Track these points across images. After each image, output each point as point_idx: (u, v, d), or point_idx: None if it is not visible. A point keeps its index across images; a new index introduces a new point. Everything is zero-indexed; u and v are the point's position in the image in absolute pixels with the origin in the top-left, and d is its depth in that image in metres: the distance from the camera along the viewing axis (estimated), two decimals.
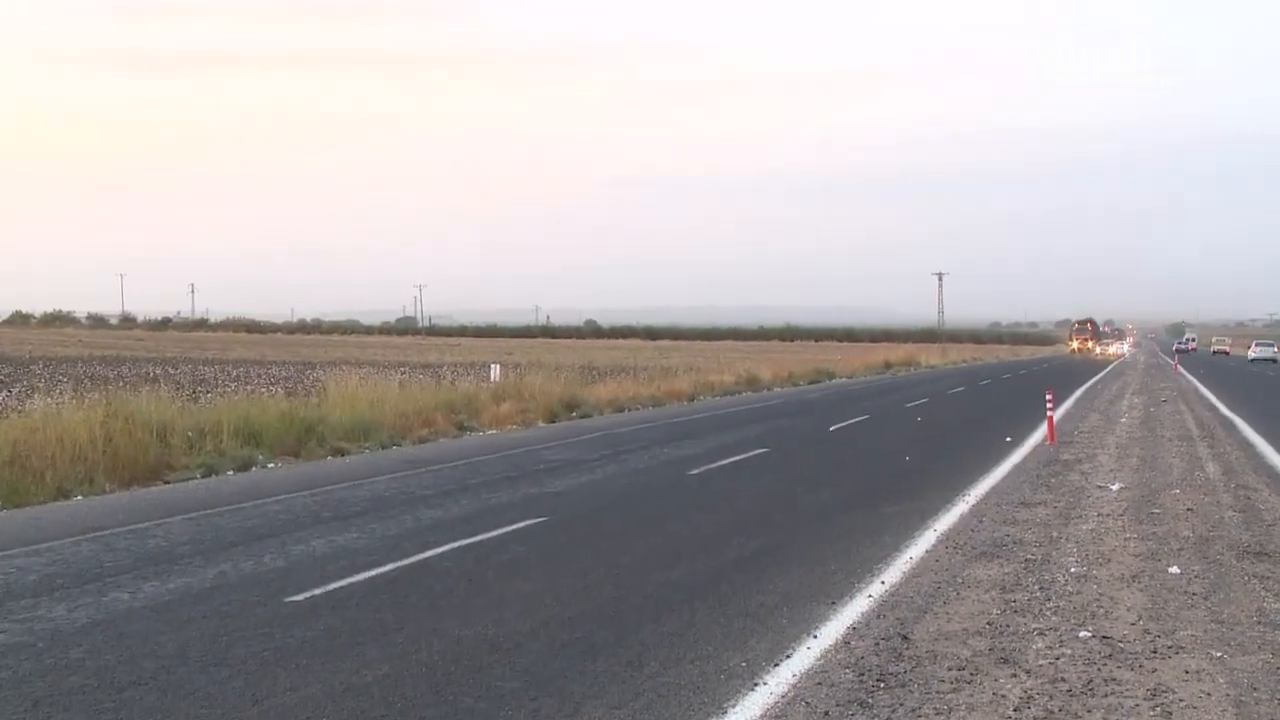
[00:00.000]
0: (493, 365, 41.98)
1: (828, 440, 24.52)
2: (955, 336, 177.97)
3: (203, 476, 17.91)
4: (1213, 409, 33.23)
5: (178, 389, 32.71)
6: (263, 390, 34.35)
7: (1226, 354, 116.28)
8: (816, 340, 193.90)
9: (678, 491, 16.40)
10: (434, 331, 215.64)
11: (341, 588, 10.00)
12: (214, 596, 9.74)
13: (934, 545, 11.97)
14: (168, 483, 17.30)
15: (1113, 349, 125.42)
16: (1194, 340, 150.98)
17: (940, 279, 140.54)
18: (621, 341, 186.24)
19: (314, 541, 12.19)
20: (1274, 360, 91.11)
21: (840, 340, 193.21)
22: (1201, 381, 53.23)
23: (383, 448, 22.39)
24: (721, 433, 25.82)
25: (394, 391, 27.80)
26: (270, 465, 19.49)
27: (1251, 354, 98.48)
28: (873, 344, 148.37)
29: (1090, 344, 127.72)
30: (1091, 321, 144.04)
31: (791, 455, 21.31)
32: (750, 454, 21.10)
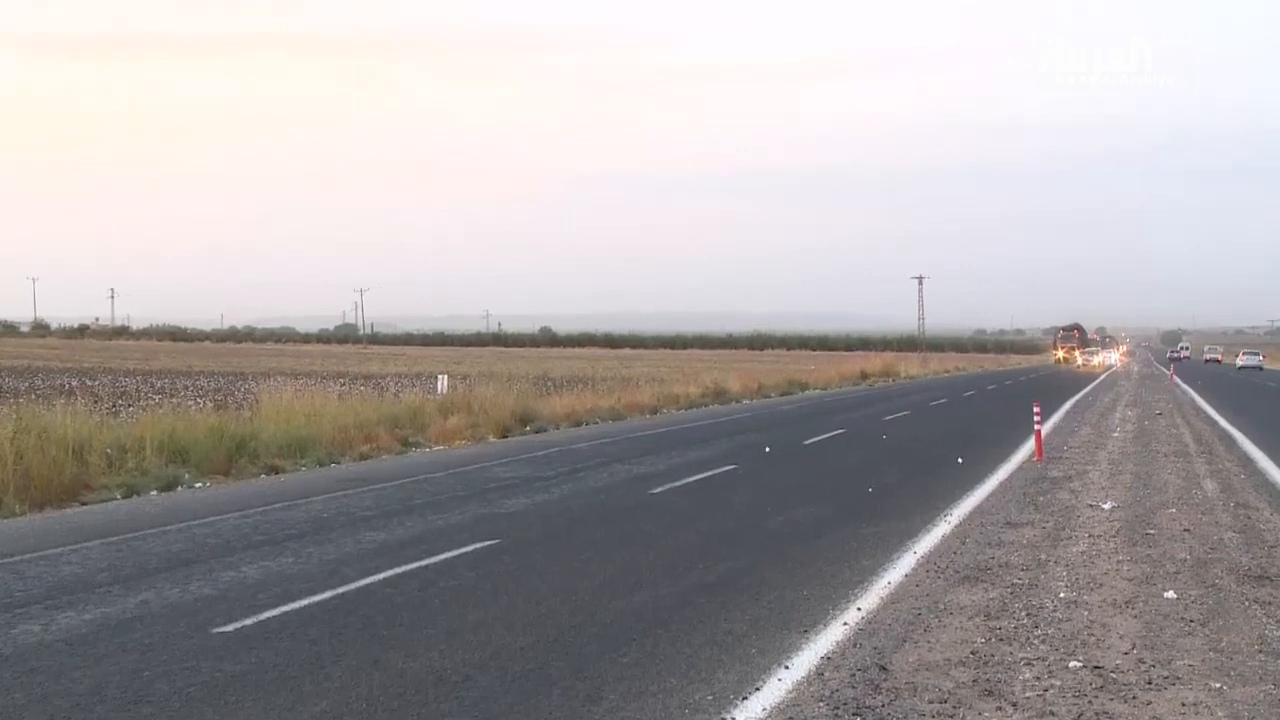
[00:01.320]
0: (440, 376, 41.84)
1: (800, 456, 24.58)
2: (936, 345, 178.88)
3: (123, 497, 17.75)
4: (1211, 422, 33.54)
5: (96, 402, 32.45)
6: (189, 403, 34.11)
7: (1218, 362, 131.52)
8: (788, 349, 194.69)
9: (639, 512, 16.39)
10: (376, 340, 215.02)
11: (275, 617, 9.94)
12: (135, 628, 9.65)
13: (914, 569, 12.02)
14: (85, 504, 17.14)
15: (1097, 359, 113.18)
16: (1187, 349, 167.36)
17: (920, 283, 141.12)
18: (579, 350, 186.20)
19: (245, 567, 12.10)
20: (1259, 368, 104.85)
21: (814, 349, 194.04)
22: (1199, 393, 53.72)
23: (320, 465, 22.27)
24: (686, 448, 25.84)
25: (333, 404, 27.65)
26: (198, 485, 19.35)
27: (1239, 362, 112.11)
28: (849, 353, 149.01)
29: (1075, 353, 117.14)
30: (1079, 328, 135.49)
31: (761, 472, 21.34)
32: (717, 471, 21.12)
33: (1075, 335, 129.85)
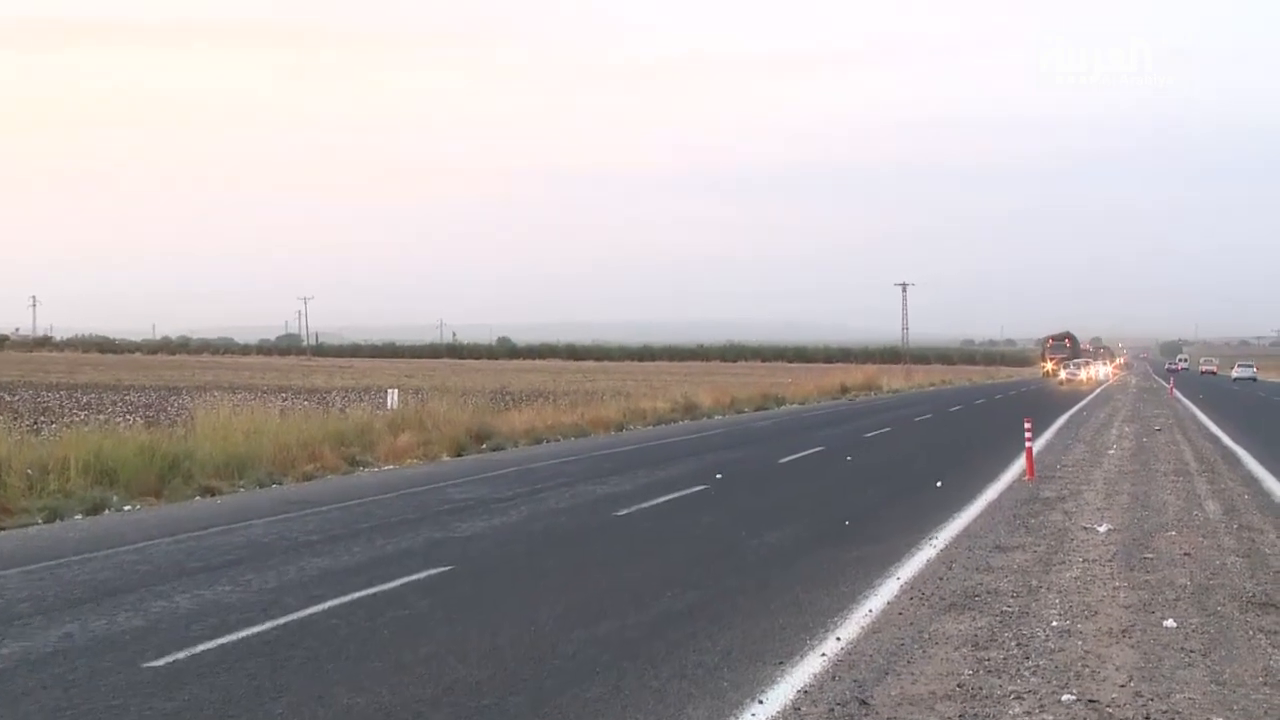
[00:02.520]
0: (390, 390, 41.75)
1: (776, 476, 24.61)
2: (922, 356, 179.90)
3: (45, 522, 17.62)
4: (1213, 439, 33.77)
5: (16, 418, 32.21)
6: (118, 420, 33.91)
7: (1214, 373, 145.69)
8: (763, 361, 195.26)
9: (603, 535, 16.38)
10: (321, 351, 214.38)
11: (210, 650, 9.88)
12: (57, 662, 9.58)
13: (897, 595, 12.05)
14: (3, 529, 17.01)
15: (1084, 373, 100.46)
16: (1185, 360, 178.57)
17: (904, 290, 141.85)
18: (540, 363, 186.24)
19: (178, 596, 12.03)
20: (1254, 379, 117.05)
21: (790, 361, 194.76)
22: (1200, 407, 54.09)
23: (260, 486, 22.18)
24: (654, 467, 25.85)
25: (274, 421, 27.53)
26: (127, 507, 19.22)
27: (1234, 373, 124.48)
28: (828, 365, 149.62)
29: (1059, 367, 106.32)
30: (1070, 337, 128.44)
31: (734, 493, 21.35)
32: (687, 491, 21.13)
33: (1067, 345, 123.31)
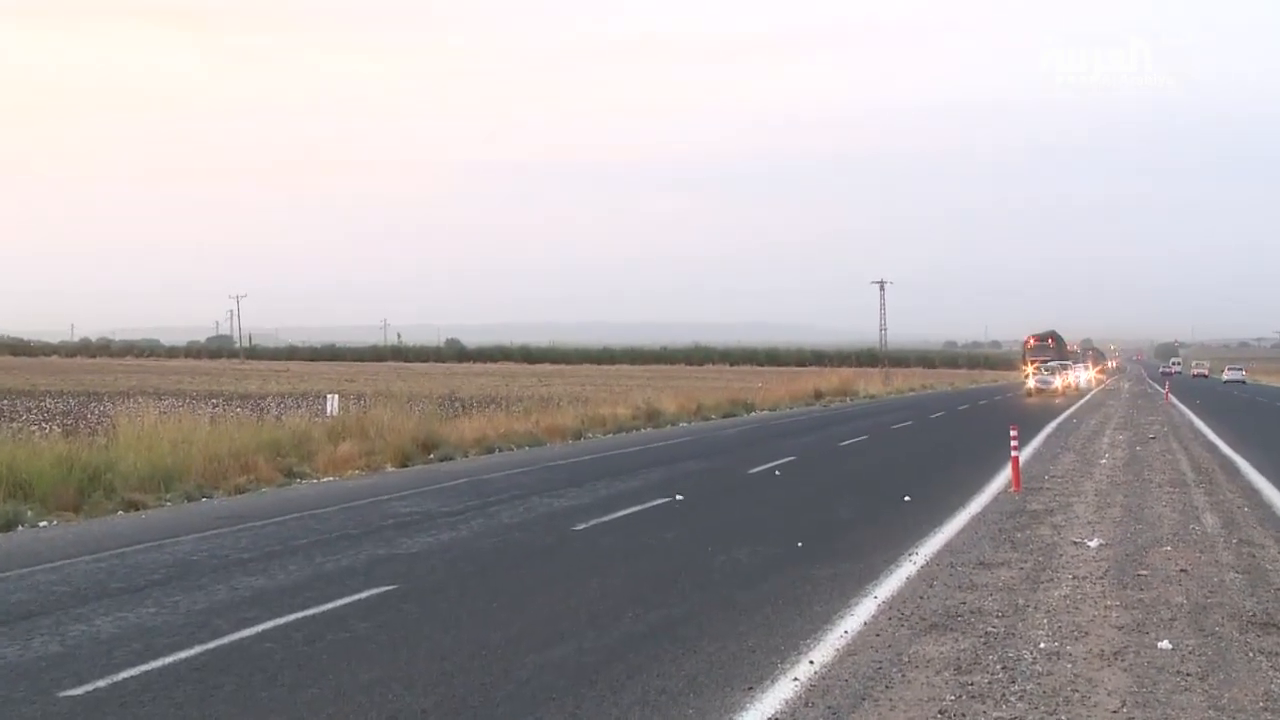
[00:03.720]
0: (330, 396, 41.61)
1: (745, 487, 24.65)
2: (901, 359, 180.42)
3: None
4: (1211, 447, 34.00)
5: None
6: (33, 429, 33.64)
7: (1205, 376, 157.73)
8: (732, 364, 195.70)
9: (560, 552, 16.36)
10: (255, 354, 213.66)
11: (134, 677, 9.82)
12: None
13: (874, 616, 12.08)
14: None
15: (1060, 380, 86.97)
16: (1179, 363, 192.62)
17: (882, 288, 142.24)
18: (491, 366, 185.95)
19: (99, 619, 11.96)
20: (1242, 382, 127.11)
21: (761, 364, 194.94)
22: (1197, 414, 54.46)
23: (189, 500, 22.08)
24: (615, 479, 25.84)
25: (204, 429, 27.38)
26: (42, 523, 19.09)
27: (1224, 377, 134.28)
28: (800, 369, 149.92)
29: (1043, 372, 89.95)
30: (1054, 336, 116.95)
31: (700, 506, 21.36)
32: (650, 505, 21.13)
33: (1050, 346, 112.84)
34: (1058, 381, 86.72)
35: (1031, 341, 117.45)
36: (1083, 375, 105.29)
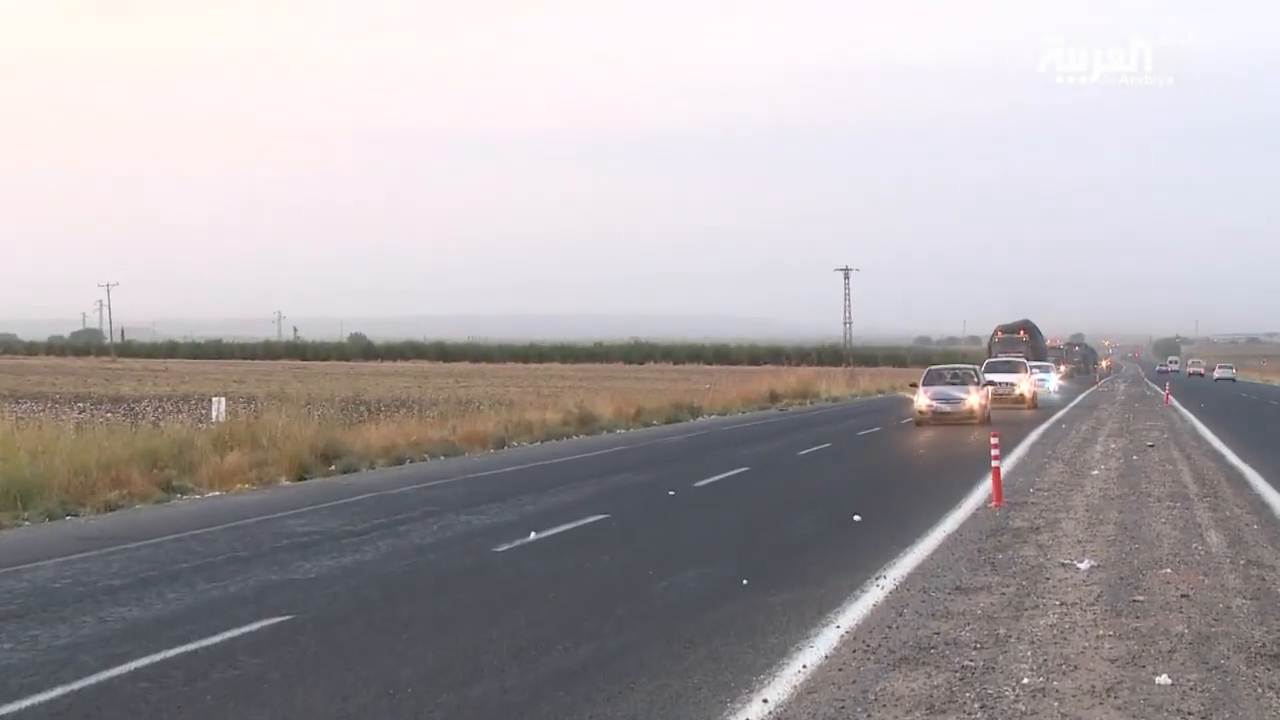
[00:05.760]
0: (216, 399, 41.32)
1: (691, 501, 24.68)
2: (868, 357, 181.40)
3: None
4: (1217, 457, 34.29)
5: None
6: None
7: (1201, 375, 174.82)
8: (675, 363, 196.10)
9: (480, 576, 16.34)
10: (129, 351, 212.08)
11: None
12: None
13: (837, 648, 12.13)
14: None
15: (1022, 386, 66.46)
16: (1176, 361, 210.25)
17: (847, 276, 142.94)
18: (402, 365, 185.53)
19: None
20: (1233, 380, 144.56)
21: (709, 362, 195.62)
22: (1201, 418, 54.92)
23: (51, 519, 21.89)
24: (543, 493, 25.82)
25: (69, 437, 27.18)
26: None
27: (1216, 374, 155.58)
28: (754, 368, 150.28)
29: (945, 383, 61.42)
30: (1026, 328, 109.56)
31: (640, 523, 21.38)
32: (583, 522, 21.13)
33: (1023, 340, 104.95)
34: (1020, 387, 65.76)
35: (999, 334, 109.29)
36: (1047, 378, 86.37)
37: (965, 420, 49.32)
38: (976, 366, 59.69)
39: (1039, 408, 64.10)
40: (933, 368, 58.65)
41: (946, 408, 50.36)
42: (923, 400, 50.99)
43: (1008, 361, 74.67)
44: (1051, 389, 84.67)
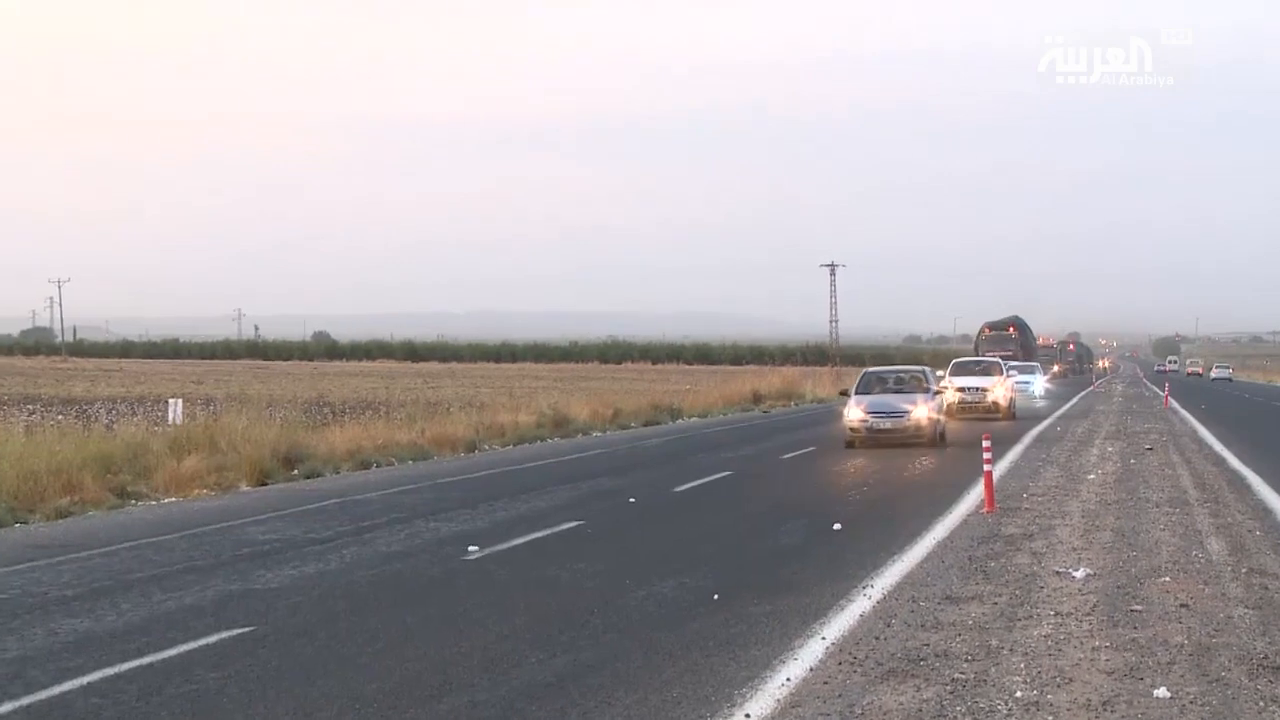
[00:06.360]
0: (173, 401, 41.28)
1: (670, 508, 24.69)
2: (855, 356, 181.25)
3: None
4: (1218, 460, 34.37)
5: None
6: None
7: (1200, 375, 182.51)
8: (654, 363, 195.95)
9: (450, 585, 16.33)
10: (81, 350, 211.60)
11: None
12: None
13: (822, 660, 12.14)
14: None
15: (997, 392, 57.25)
16: (1175, 361, 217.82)
17: (833, 272, 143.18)
18: (368, 365, 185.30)
19: None
20: (1229, 379, 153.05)
21: (689, 362, 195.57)
22: (1202, 421, 55.04)
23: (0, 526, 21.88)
24: (515, 498, 25.82)
25: (17, 441, 27.13)
26: None
27: (1213, 374, 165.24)
28: (736, 368, 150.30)
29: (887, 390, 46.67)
30: (1015, 325, 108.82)
31: (618, 529, 21.40)
32: (557, 529, 21.14)
33: (1012, 337, 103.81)
34: (995, 393, 56.77)
35: (986, 331, 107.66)
36: (1031, 381, 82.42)
37: (912, 440, 39.30)
38: (927, 369, 46.09)
39: (1018, 418, 55.93)
40: (870, 370, 46.48)
41: (885, 424, 39.60)
42: (854, 414, 39.90)
43: (980, 362, 64.57)
44: (1036, 394, 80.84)
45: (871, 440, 39.12)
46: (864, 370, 47.22)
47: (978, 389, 56.87)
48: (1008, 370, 62.14)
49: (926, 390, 41.45)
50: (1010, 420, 54.53)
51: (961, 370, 59.28)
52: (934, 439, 39.52)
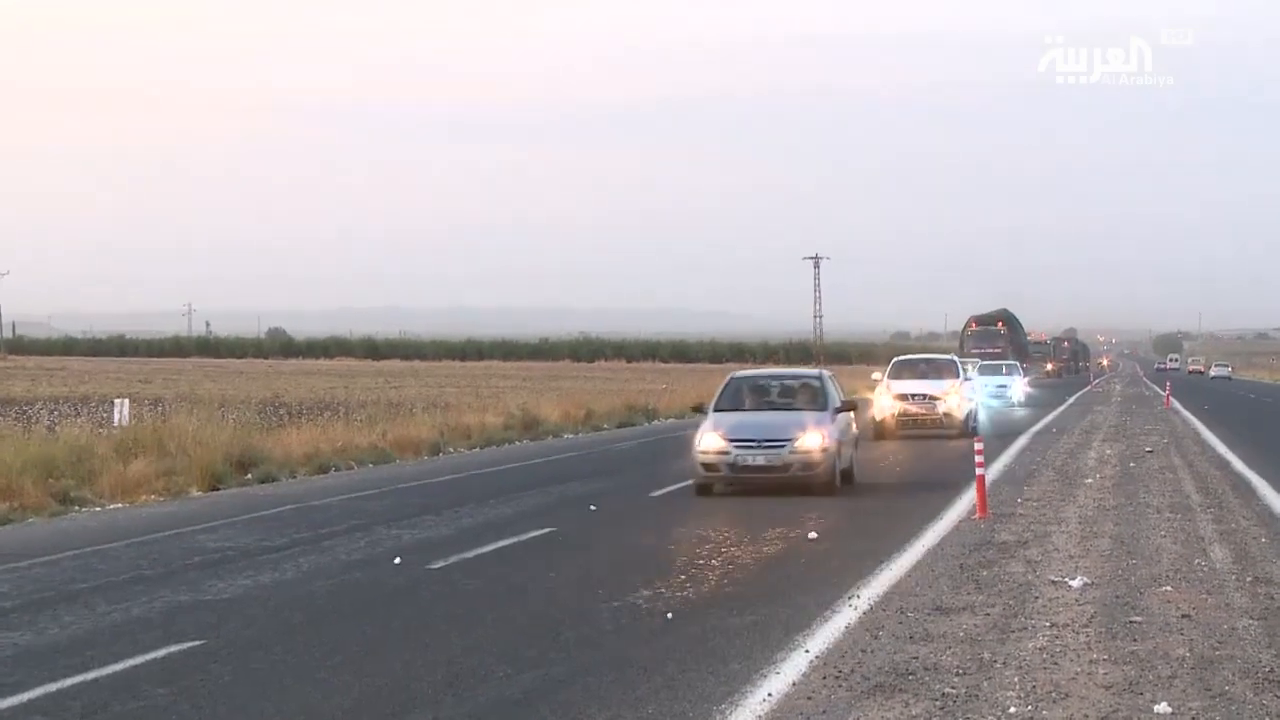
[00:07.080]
0: (119, 401, 41.17)
1: (646, 514, 24.68)
2: (840, 354, 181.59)
3: None
4: (1222, 464, 34.42)
5: None
6: None
7: (1201, 373, 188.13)
8: (629, 361, 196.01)
9: (413, 596, 16.31)
10: (20, 347, 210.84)
11: None
12: None
13: (806, 674, 12.14)
14: None
15: (950, 401, 46.22)
16: (1176, 359, 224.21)
17: (817, 266, 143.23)
18: (326, 363, 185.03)
19: None
20: (1229, 378, 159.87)
21: (666, 360, 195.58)
22: (1205, 422, 55.14)
23: None
24: (482, 504, 25.80)
25: None
26: None
27: (1212, 372, 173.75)
28: (715, 366, 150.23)
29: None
30: (1004, 319, 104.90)
31: (590, 537, 21.40)
32: (526, 536, 21.13)
33: (1001, 333, 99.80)
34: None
35: (973, 326, 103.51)
36: (1010, 384, 75.30)
37: (799, 480, 27.04)
38: (825, 372, 32.39)
39: (980, 435, 32.36)
40: (738, 375, 33.87)
41: (757, 457, 27.22)
42: (710, 440, 27.65)
43: (929, 360, 52.84)
44: (1015, 400, 72.14)
45: (737, 482, 27.56)
46: (730, 375, 33.76)
47: (925, 396, 46.38)
48: (965, 371, 51.28)
49: (823, 408, 28.89)
50: (959, 438, 43.07)
51: (903, 371, 48.80)
52: (831, 481, 27.18)
